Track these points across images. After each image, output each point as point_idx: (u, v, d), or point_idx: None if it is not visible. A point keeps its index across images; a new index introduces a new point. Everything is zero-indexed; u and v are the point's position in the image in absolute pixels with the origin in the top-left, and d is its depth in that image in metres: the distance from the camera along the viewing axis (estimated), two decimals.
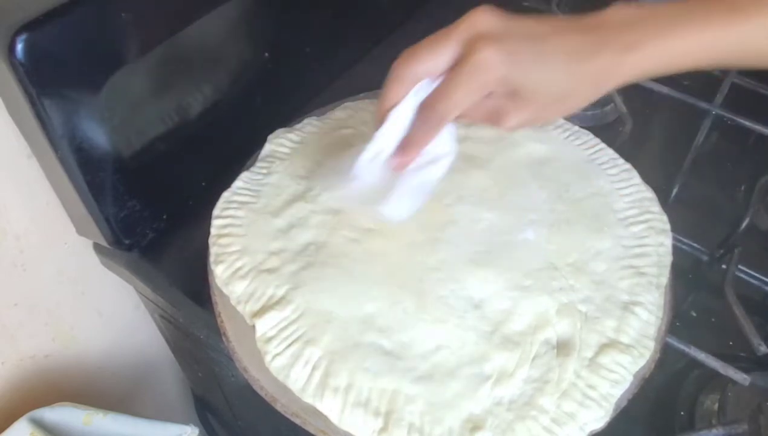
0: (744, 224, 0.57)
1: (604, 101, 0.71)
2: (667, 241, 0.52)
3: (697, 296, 0.57)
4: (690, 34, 0.38)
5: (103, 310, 0.72)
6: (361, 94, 0.66)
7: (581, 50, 0.38)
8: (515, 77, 0.38)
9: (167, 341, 0.80)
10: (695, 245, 0.59)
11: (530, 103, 0.40)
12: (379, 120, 0.42)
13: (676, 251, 0.52)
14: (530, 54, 0.38)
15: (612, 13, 0.39)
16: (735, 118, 0.66)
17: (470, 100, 0.39)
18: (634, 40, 0.38)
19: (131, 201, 0.57)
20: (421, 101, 0.41)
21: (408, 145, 0.43)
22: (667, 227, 0.53)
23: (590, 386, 0.44)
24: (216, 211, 0.54)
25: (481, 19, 0.39)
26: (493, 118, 0.41)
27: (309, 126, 0.62)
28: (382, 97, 0.42)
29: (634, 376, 0.45)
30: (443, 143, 0.43)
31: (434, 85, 0.41)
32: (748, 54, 0.39)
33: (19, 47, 0.44)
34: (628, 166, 0.58)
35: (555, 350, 0.46)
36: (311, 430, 0.44)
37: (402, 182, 0.44)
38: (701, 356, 0.49)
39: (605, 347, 0.46)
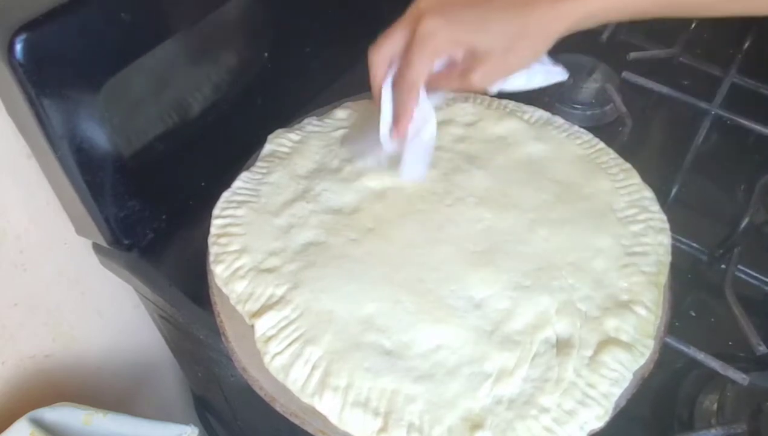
0: (744, 224, 0.57)
1: (604, 101, 0.71)
2: (666, 240, 0.52)
3: (696, 296, 0.57)
4: None
5: (103, 310, 0.72)
6: (361, 94, 0.66)
7: (518, 3, 0.43)
8: (464, 37, 0.44)
9: (167, 341, 0.80)
10: (695, 244, 0.59)
11: (488, 57, 0.45)
12: (376, 101, 0.51)
13: (676, 250, 0.52)
14: (471, 15, 0.44)
15: None
16: (735, 118, 0.66)
17: (427, 65, 0.46)
18: None
19: (131, 201, 0.57)
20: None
21: (397, 117, 0.50)
22: (666, 225, 0.53)
23: (590, 385, 0.44)
24: (216, 211, 0.54)
25: (424, 2, 0.46)
26: (464, 80, 0.46)
27: (309, 126, 0.62)
28: (370, 83, 0.50)
29: (634, 375, 0.45)
30: (424, 111, 0.50)
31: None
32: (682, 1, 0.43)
33: (19, 47, 0.44)
34: (627, 165, 0.58)
35: (555, 349, 0.46)
36: (310, 430, 0.44)
37: (407, 151, 0.52)
38: (700, 356, 0.49)
39: (605, 345, 0.46)
